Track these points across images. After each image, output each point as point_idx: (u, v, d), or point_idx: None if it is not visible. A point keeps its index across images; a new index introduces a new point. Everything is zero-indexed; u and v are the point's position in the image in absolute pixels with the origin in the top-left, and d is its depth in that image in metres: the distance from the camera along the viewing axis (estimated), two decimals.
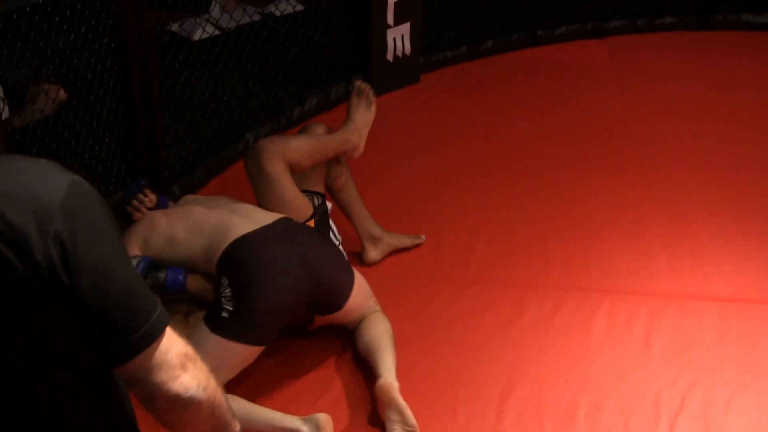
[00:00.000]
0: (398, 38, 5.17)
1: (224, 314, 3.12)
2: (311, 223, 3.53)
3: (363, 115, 3.82)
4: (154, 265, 3.29)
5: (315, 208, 3.57)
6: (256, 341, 3.18)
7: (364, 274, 3.57)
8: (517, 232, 4.14)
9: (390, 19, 5.10)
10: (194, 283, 3.33)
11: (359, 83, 3.88)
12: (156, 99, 4.05)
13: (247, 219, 3.32)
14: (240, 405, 3.10)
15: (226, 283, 3.16)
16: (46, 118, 4.08)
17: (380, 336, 3.38)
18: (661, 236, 4.09)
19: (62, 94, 4.31)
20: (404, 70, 5.27)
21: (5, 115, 4.27)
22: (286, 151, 3.55)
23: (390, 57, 5.19)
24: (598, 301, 3.73)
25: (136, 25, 3.82)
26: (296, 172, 3.58)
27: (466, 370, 3.44)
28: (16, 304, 1.45)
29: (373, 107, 3.85)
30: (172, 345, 1.57)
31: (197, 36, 5.30)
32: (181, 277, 3.29)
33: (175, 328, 1.62)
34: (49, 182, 1.47)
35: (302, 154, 3.59)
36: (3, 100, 4.23)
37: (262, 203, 3.53)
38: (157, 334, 1.55)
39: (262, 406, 3.18)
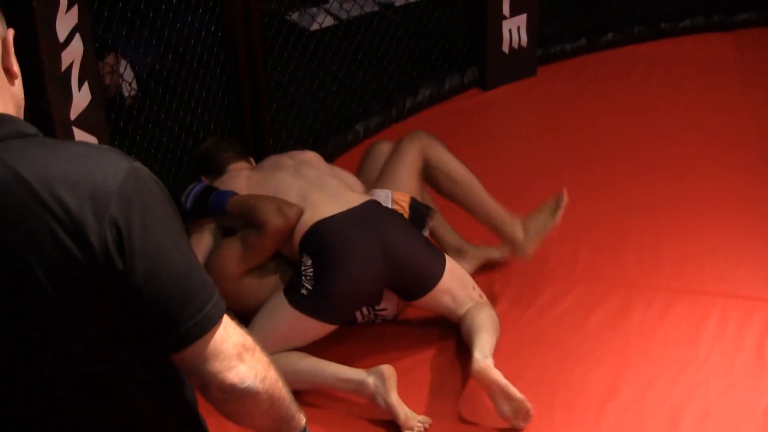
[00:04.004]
0: (514, 29, 5.07)
1: (303, 291, 3.21)
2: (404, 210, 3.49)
3: (544, 218, 3.57)
4: (208, 189, 3.42)
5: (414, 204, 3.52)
6: (331, 320, 3.26)
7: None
8: (628, 230, 4.01)
9: (506, 10, 5.00)
10: (234, 206, 3.36)
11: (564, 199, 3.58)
12: (263, 88, 4.06)
13: (334, 200, 3.34)
14: (306, 359, 3.21)
15: (309, 263, 3.23)
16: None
17: (481, 319, 3.32)
18: None
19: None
20: (520, 63, 5.17)
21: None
22: (433, 148, 3.56)
23: (506, 49, 5.10)
24: (709, 305, 3.57)
25: (242, 14, 3.81)
26: (427, 177, 3.59)
27: (567, 372, 3.33)
28: (76, 291, 1.46)
29: (557, 218, 3.54)
30: (229, 335, 1.56)
31: (313, 26, 5.30)
32: (226, 196, 3.37)
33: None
34: (108, 168, 1.47)
35: (447, 165, 3.56)
36: (130, 84, 4.29)
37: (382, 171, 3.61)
38: (212, 324, 1.53)
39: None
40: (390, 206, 3.45)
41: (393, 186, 3.52)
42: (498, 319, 3.37)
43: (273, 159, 3.66)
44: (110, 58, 4.20)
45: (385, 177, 3.57)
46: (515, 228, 3.56)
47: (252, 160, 3.77)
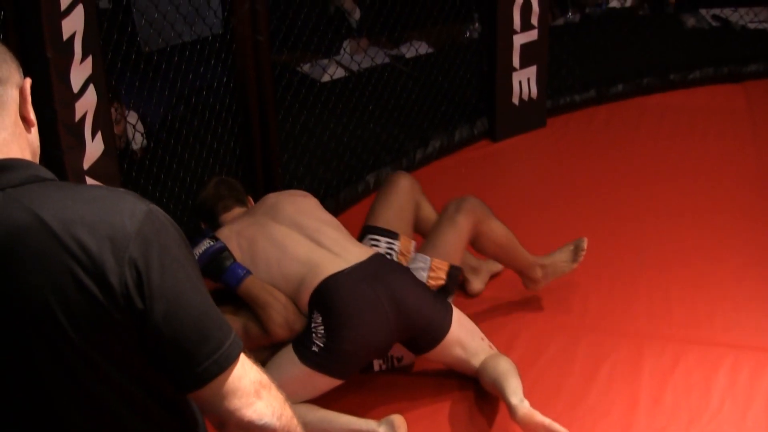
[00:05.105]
0: (524, 81, 5.11)
1: (315, 349, 3.21)
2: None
3: (563, 262, 3.81)
4: (223, 252, 3.36)
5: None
6: (342, 376, 3.28)
7: (477, 318, 3.52)
8: (638, 279, 4.00)
9: (516, 62, 5.04)
10: (245, 293, 3.33)
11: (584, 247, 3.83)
12: (274, 138, 4.09)
13: (338, 256, 3.34)
14: (315, 411, 3.21)
15: (319, 321, 3.23)
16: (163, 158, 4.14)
17: (503, 366, 3.32)
18: None
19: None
20: (530, 114, 5.20)
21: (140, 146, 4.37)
22: (486, 222, 3.64)
23: (515, 100, 5.13)
24: (720, 356, 3.55)
25: (254, 65, 3.85)
26: (474, 242, 3.67)
27: (577, 422, 3.31)
28: (96, 330, 1.48)
29: (575, 265, 3.82)
30: (246, 372, 1.59)
31: (324, 78, 5.35)
32: (241, 274, 3.33)
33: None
34: (126, 210, 1.50)
35: (496, 235, 3.66)
36: (143, 135, 4.32)
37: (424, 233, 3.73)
38: (229, 362, 1.56)
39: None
40: (426, 274, 3.49)
41: (438, 254, 3.55)
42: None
43: (270, 201, 3.59)
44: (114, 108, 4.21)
45: (432, 246, 3.58)
46: (536, 271, 3.79)
47: (251, 200, 3.76)
